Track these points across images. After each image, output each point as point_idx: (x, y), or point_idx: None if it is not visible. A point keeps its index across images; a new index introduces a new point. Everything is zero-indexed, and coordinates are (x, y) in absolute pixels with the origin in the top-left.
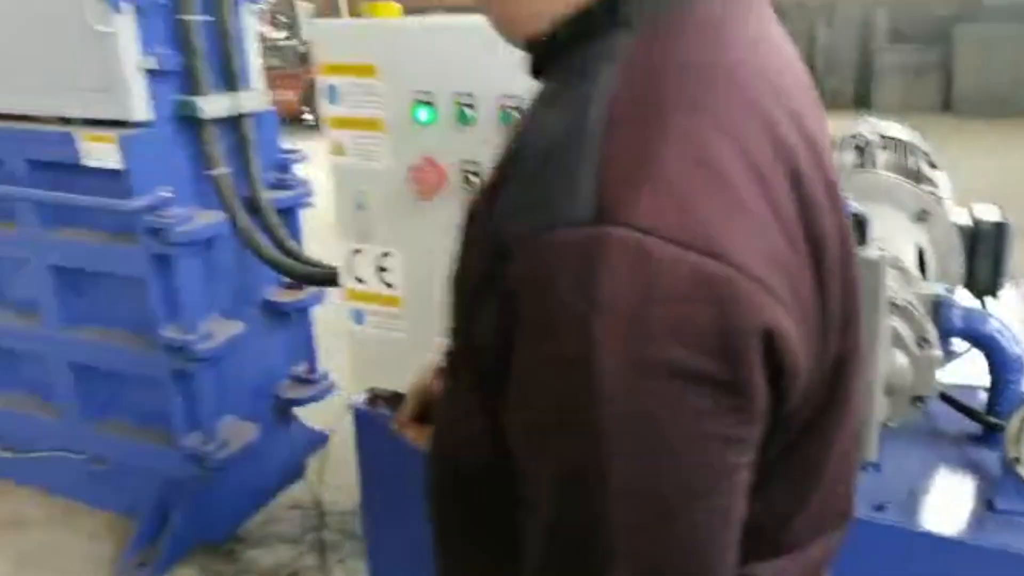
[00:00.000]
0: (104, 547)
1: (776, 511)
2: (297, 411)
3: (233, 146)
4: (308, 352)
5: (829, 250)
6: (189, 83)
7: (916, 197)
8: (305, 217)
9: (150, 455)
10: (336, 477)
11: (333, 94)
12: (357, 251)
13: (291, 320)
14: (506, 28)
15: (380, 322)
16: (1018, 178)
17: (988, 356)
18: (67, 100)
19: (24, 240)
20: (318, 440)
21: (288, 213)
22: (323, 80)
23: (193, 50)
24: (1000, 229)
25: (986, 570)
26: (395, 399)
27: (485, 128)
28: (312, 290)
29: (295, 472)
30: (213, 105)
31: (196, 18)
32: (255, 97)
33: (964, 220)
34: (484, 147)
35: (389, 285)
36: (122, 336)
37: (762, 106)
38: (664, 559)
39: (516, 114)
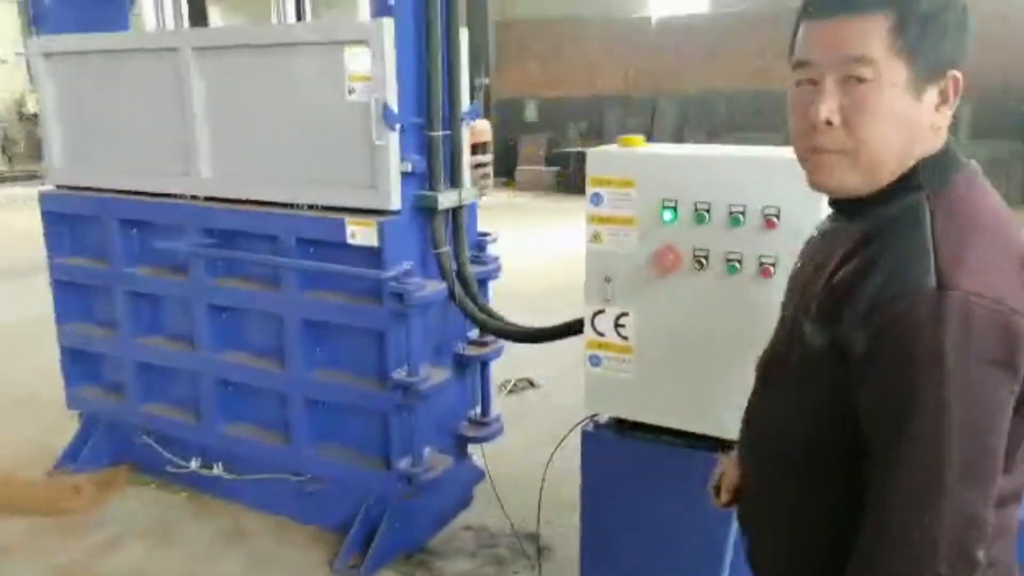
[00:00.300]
0: (314, 555)
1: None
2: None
3: (450, 230)
4: (485, 398)
5: None
6: (429, 181)
7: None
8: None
9: (368, 476)
10: (496, 508)
11: (597, 199)
12: (599, 312)
13: (472, 370)
14: (858, 183)
15: (613, 365)
16: None
17: None
18: (341, 193)
19: (286, 300)
20: (479, 475)
21: (482, 284)
22: (591, 189)
23: (437, 157)
24: None
25: None
26: (616, 424)
27: (717, 226)
28: (494, 346)
29: (466, 500)
30: (445, 199)
31: (439, 133)
32: (469, 192)
33: None
34: (716, 238)
35: (624, 338)
36: (352, 377)
37: (1012, 235)
38: (973, 452)
39: (814, 231)
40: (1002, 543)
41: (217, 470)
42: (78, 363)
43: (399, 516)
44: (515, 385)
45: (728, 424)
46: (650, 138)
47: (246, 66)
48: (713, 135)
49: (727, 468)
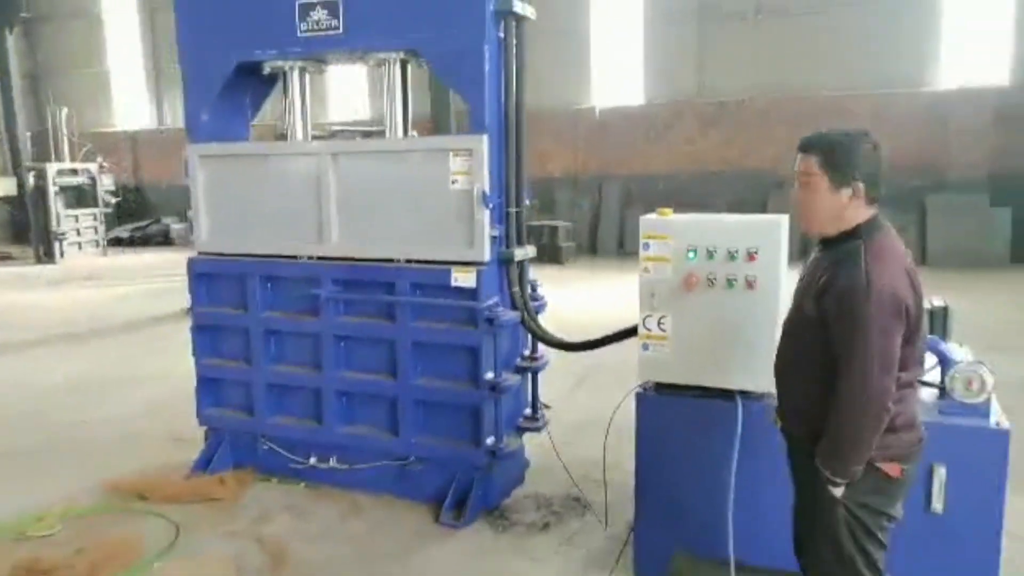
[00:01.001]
0: (418, 518)
1: (910, 353)
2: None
3: (517, 274)
4: (535, 398)
5: (916, 291)
6: (506, 242)
7: None
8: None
9: (461, 453)
10: (546, 483)
11: (647, 247)
12: (648, 316)
13: (525, 378)
14: (817, 233)
15: (656, 348)
16: (985, 311)
17: (936, 354)
18: (449, 250)
19: (401, 328)
20: (526, 463)
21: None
22: (643, 240)
23: (512, 226)
24: (945, 310)
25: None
26: (657, 387)
27: (719, 261)
28: (541, 361)
29: (520, 478)
30: (519, 253)
31: (514, 210)
32: (528, 250)
33: (928, 305)
34: (720, 267)
35: (663, 331)
36: (449, 382)
37: (903, 258)
38: (885, 360)
39: (816, 253)
40: (906, 404)
41: (333, 463)
42: (209, 390)
43: (483, 483)
44: None
45: (732, 381)
46: (599, 211)
47: (372, 165)
48: (651, 210)
49: None
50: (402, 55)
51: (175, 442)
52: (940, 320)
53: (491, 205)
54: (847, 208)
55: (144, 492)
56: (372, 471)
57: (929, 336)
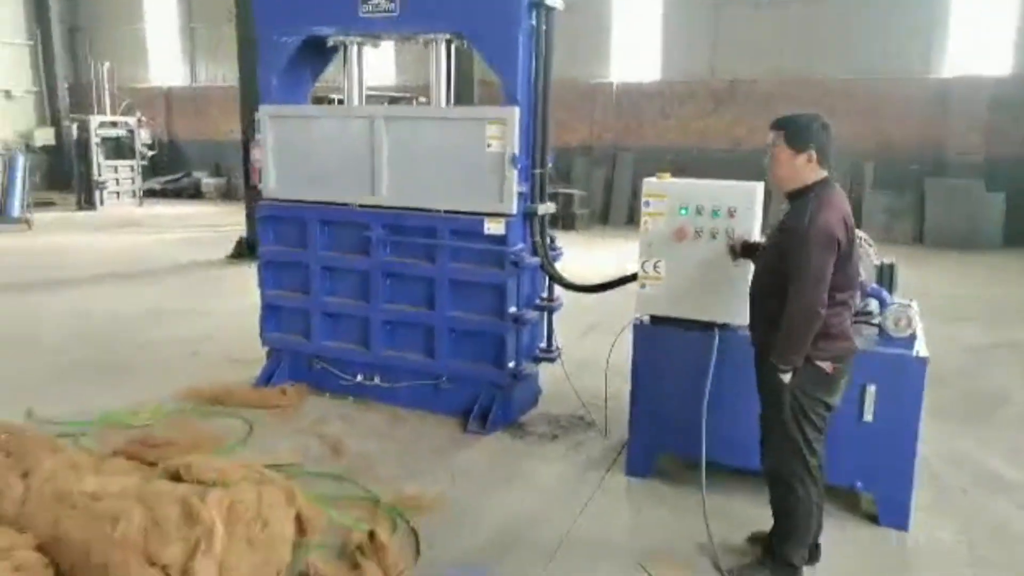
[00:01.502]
0: (449, 428)
1: (842, 279)
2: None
3: (539, 226)
4: (550, 334)
5: (849, 232)
6: (531, 198)
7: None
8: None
9: (488, 373)
10: (557, 406)
11: (647, 204)
12: (646, 261)
13: (543, 316)
14: (782, 189)
15: (652, 287)
16: (968, 286)
17: (878, 299)
18: (482, 203)
19: (440, 267)
20: (539, 389)
21: (555, 260)
22: (644, 199)
23: (536, 185)
24: (892, 266)
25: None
26: (658, 320)
27: (706, 217)
28: (557, 302)
29: (535, 399)
30: (541, 208)
31: (538, 171)
32: (549, 206)
33: (878, 263)
34: (706, 222)
35: (658, 272)
36: (479, 314)
37: (842, 208)
38: (818, 276)
39: (784, 206)
40: (840, 318)
41: (377, 380)
42: (272, 316)
43: (504, 401)
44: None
45: (711, 315)
46: (612, 182)
47: (419, 128)
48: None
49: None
50: (448, 36)
51: (232, 363)
52: (887, 275)
53: (519, 166)
54: (803, 170)
55: (218, 398)
56: (410, 389)
57: (874, 286)
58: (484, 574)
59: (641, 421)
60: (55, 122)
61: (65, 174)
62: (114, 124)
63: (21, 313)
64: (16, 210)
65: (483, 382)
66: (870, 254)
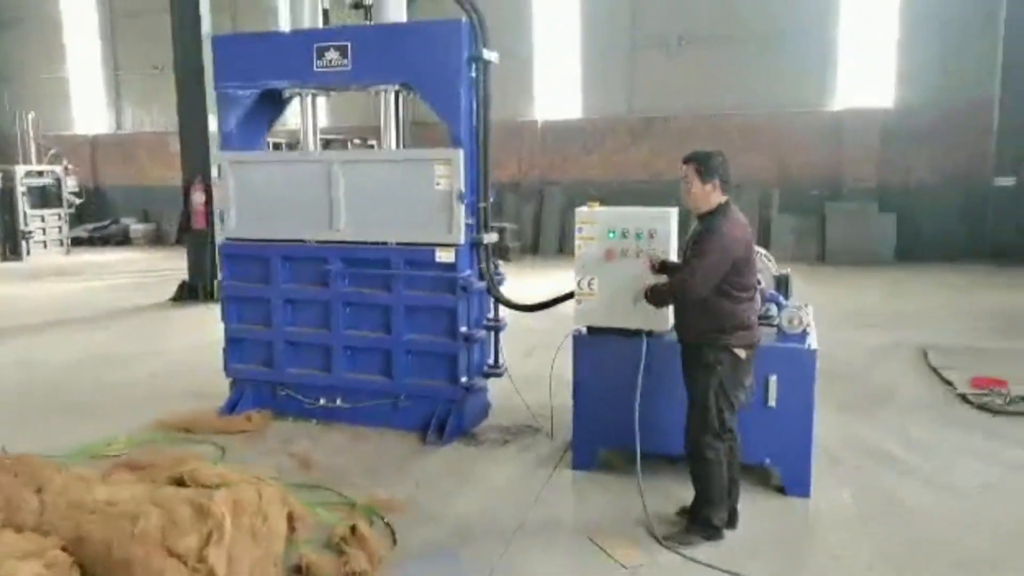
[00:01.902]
0: (408, 442)
1: (746, 279)
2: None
3: (484, 254)
4: (496, 351)
5: (747, 243)
6: (476, 229)
7: (761, 261)
8: None
9: (442, 389)
10: (505, 418)
11: (580, 230)
12: (581, 279)
13: (490, 335)
14: (695, 212)
15: (587, 302)
16: (867, 298)
17: (775, 303)
18: (433, 235)
19: (395, 295)
20: (488, 403)
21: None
22: (578, 225)
23: (483, 218)
24: (787, 276)
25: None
26: (594, 330)
27: (630, 239)
28: (502, 322)
29: (486, 411)
30: (486, 238)
31: (483, 205)
32: (492, 236)
33: (777, 272)
34: (630, 244)
35: (592, 288)
36: (432, 336)
37: (741, 223)
38: (708, 270)
39: (696, 225)
40: (748, 312)
41: (339, 402)
42: (236, 348)
43: (458, 413)
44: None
45: (639, 323)
46: (540, 215)
47: (373, 170)
48: None
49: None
50: (397, 87)
51: (194, 396)
52: (784, 284)
53: (466, 201)
54: (711, 195)
55: (188, 427)
56: (371, 408)
57: (772, 292)
58: (452, 555)
59: (583, 420)
60: None
61: None
62: (40, 173)
63: None
64: None
65: (439, 398)
66: (769, 267)
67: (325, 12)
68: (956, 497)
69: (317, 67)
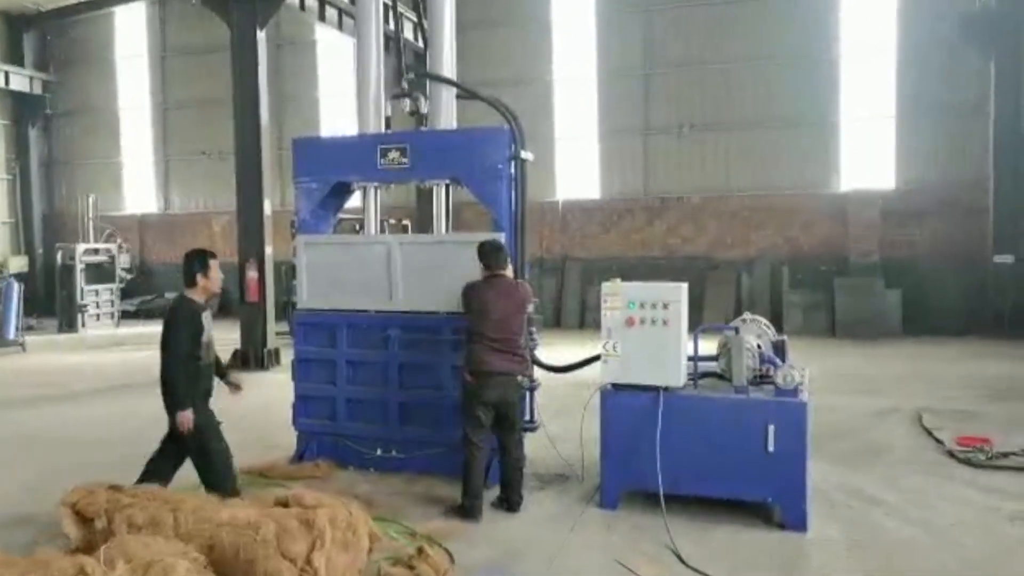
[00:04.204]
0: (455, 487)
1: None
2: None
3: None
4: (532, 408)
5: (489, 300)
6: None
7: (762, 329)
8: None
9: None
10: (540, 467)
11: (606, 301)
12: (607, 342)
13: (526, 393)
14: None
15: (612, 362)
16: (872, 367)
17: (772, 364)
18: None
19: (444, 357)
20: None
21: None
22: (604, 296)
23: None
24: (783, 342)
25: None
26: (618, 386)
27: (648, 309)
28: (537, 382)
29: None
30: None
31: (521, 279)
32: (532, 304)
33: (775, 338)
34: (648, 313)
35: (616, 350)
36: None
37: (503, 288)
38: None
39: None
40: (474, 348)
41: (394, 452)
42: (303, 404)
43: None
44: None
45: (656, 380)
46: (562, 289)
47: (427, 251)
48: None
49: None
50: (447, 180)
51: (266, 447)
52: (780, 349)
53: None
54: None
55: (265, 472)
56: (422, 457)
57: (770, 355)
58: (505, 570)
59: (610, 466)
60: (29, 251)
61: (39, 300)
62: (96, 251)
63: (53, 420)
64: (12, 333)
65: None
66: (768, 333)
67: (387, 119)
68: (932, 531)
69: (380, 165)
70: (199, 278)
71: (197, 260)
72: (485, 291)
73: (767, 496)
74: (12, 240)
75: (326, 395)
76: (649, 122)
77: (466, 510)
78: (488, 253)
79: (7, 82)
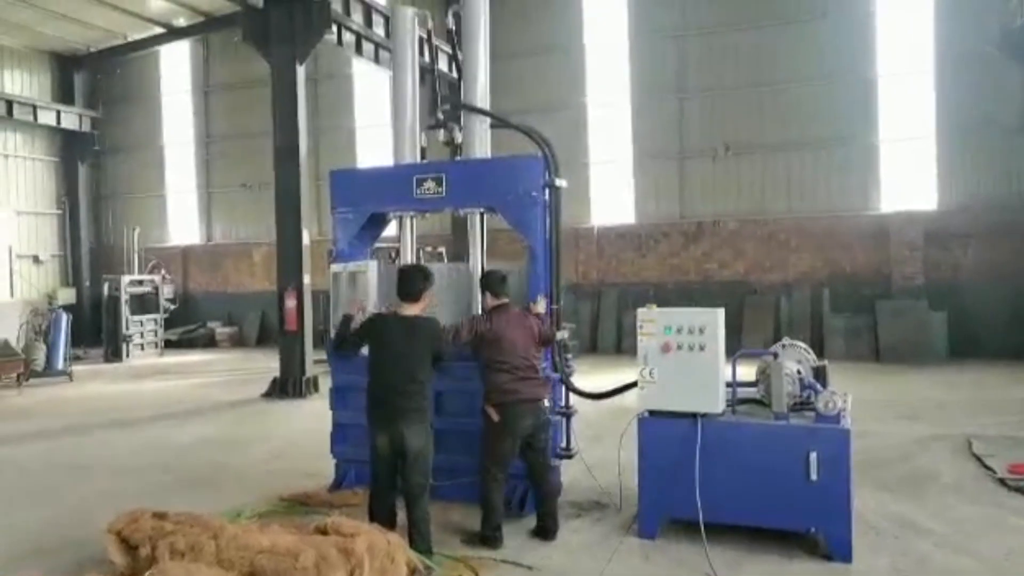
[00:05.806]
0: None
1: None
2: None
3: (558, 348)
4: (568, 436)
5: (500, 330)
6: (551, 326)
7: (801, 354)
8: None
9: (522, 469)
10: (577, 495)
11: (642, 327)
12: (643, 368)
13: (562, 420)
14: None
15: (649, 387)
16: (917, 393)
17: (813, 391)
18: None
19: (479, 384)
20: (561, 482)
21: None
22: (640, 323)
23: (556, 318)
24: (824, 367)
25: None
26: (655, 413)
27: (684, 334)
28: (572, 409)
29: (559, 490)
30: (559, 334)
31: (556, 307)
32: (566, 331)
33: (815, 364)
34: (684, 338)
35: (652, 377)
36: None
37: (512, 317)
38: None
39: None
40: (495, 379)
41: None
42: (341, 433)
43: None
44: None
45: (693, 406)
46: (598, 315)
47: (464, 278)
48: None
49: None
50: (483, 209)
51: (305, 476)
52: (821, 374)
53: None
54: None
55: (304, 500)
56: (458, 485)
57: (811, 380)
58: None
59: (649, 492)
60: (76, 283)
61: (85, 330)
62: (140, 282)
63: (100, 447)
64: (60, 363)
65: (519, 476)
66: (808, 359)
67: (423, 149)
68: (984, 562)
69: (416, 194)
70: (425, 295)
71: (422, 275)
72: (497, 320)
73: (810, 526)
74: (61, 272)
75: (364, 424)
76: (684, 146)
77: (487, 540)
78: (496, 282)
79: (59, 121)
